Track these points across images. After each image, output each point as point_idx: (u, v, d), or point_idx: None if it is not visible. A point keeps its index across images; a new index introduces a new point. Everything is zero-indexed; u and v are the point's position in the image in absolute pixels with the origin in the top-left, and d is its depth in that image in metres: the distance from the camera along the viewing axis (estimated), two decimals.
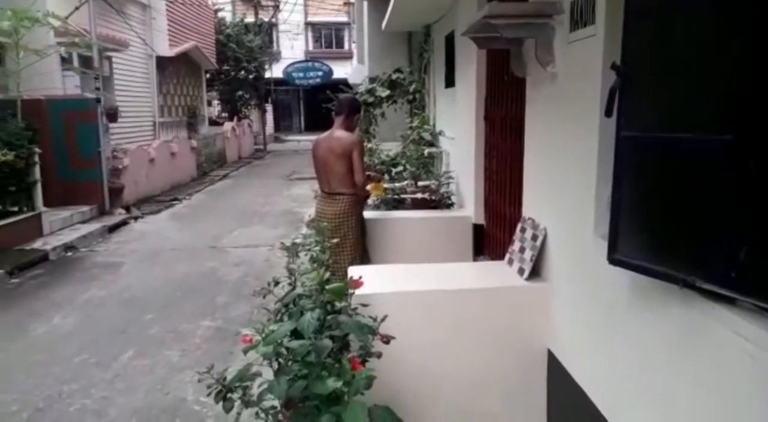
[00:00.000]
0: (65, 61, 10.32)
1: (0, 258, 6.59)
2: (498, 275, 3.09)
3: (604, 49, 2.13)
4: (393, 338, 2.46)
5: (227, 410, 2.29)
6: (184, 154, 13.93)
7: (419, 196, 5.36)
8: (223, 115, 23.01)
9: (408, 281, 3.04)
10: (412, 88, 8.29)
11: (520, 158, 3.30)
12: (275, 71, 26.02)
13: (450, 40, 5.90)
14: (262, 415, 2.31)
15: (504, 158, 4.01)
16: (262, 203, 10.96)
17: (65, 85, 10.36)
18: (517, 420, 2.89)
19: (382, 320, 2.43)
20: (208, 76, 20.08)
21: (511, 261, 3.14)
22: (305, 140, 25.35)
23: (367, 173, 4.98)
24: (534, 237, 2.94)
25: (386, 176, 5.61)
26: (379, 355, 2.41)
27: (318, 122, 25.91)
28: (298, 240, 3.13)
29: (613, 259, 1.81)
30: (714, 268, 1.48)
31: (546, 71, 2.73)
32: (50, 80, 9.64)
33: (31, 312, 5.24)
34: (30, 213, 7.69)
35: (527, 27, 2.70)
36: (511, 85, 3.58)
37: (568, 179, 2.55)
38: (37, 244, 7.36)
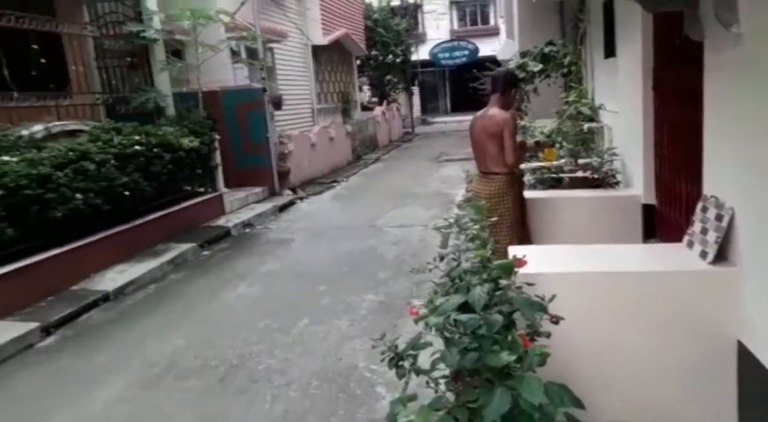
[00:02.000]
0: (234, 55, 11.29)
1: (192, 233, 7.53)
2: (677, 258, 2.88)
3: None
4: (562, 318, 2.43)
5: (400, 376, 2.42)
6: (340, 138, 14.65)
7: (579, 174, 5.16)
8: (373, 100, 23.70)
9: (575, 262, 2.96)
10: (566, 61, 7.93)
11: (698, 131, 3.04)
12: (421, 53, 26.18)
13: (608, 6, 5.54)
14: (432, 384, 2.42)
15: (678, 131, 3.72)
16: (413, 184, 11.22)
17: (235, 76, 11.37)
18: (703, 414, 2.71)
19: (551, 299, 2.41)
20: (358, 62, 20.77)
21: (691, 244, 2.93)
22: (452, 121, 25.36)
23: (536, 140, 4.90)
24: (719, 217, 2.71)
25: (540, 155, 5.46)
26: (548, 335, 2.39)
27: (464, 103, 25.74)
28: (452, 221, 3.18)
29: None
30: None
31: (729, 32, 2.47)
32: (222, 73, 10.59)
33: (221, 280, 5.96)
34: (213, 194, 8.65)
35: None
36: (685, 50, 3.27)
37: (760, 150, 2.32)
38: (221, 221, 8.28)
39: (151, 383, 3.87)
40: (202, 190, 8.53)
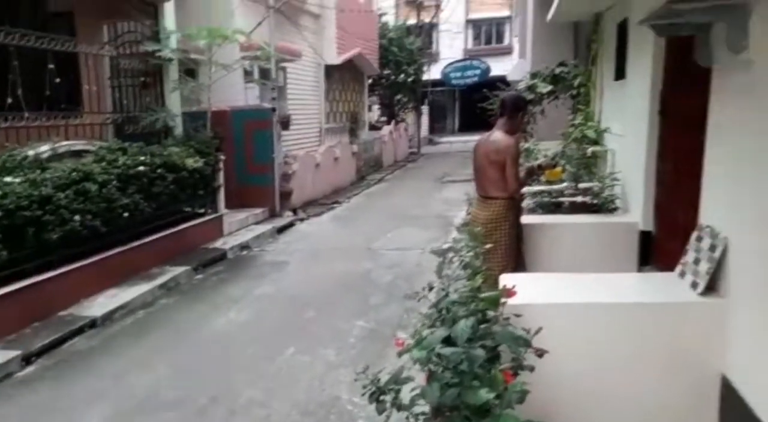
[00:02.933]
0: (247, 74, 11.33)
1: (188, 255, 7.44)
2: (667, 288, 2.80)
3: None
4: (546, 352, 2.35)
5: (380, 412, 2.34)
6: (345, 158, 14.62)
7: (579, 199, 5.05)
8: (382, 119, 23.72)
9: (564, 292, 2.88)
10: (576, 82, 7.84)
11: (700, 158, 2.94)
12: (433, 72, 26.24)
13: (622, 29, 5.48)
14: (413, 420, 2.31)
15: (680, 157, 3.62)
16: (415, 206, 11.13)
17: (247, 96, 11.40)
18: None
19: (536, 333, 2.33)
20: (370, 81, 20.80)
21: (683, 274, 2.82)
22: (457, 141, 25.31)
23: (538, 164, 4.84)
24: (712, 248, 2.60)
25: (542, 178, 5.35)
26: (531, 369, 2.32)
27: (472, 123, 25.72)
28: (447, 245, 3.10)
29: None
30: None
31: (739, 59, 2.39)
32: (234, 92, 10.64)
33: (212, 306, 5.85)
34: (214, 215, 8.57)
35: (717, 10, 2.40)
36: (694, 75, 3.20)
37: (758, 182, 2.20)
38: (218, 243, 8.20)
39: (127, 416, 3.74)
40: (202, 210, 8.45)
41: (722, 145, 2.69)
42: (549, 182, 5.13)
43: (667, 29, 2.95)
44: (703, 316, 2.56)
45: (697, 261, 2.71)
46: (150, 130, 7.88)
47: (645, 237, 4.28)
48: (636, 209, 4.44)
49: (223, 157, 8.69)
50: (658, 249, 4.12)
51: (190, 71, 9.63)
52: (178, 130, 8.43)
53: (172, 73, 8.44)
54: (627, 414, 2.61)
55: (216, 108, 9.22)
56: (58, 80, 6.40)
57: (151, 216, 6.99)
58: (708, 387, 2.55)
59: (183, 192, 7.53)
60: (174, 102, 8.45)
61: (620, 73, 5.51)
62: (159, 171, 6.93)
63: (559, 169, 4.96)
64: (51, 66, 6.31)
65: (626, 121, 5.00)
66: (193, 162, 7.65)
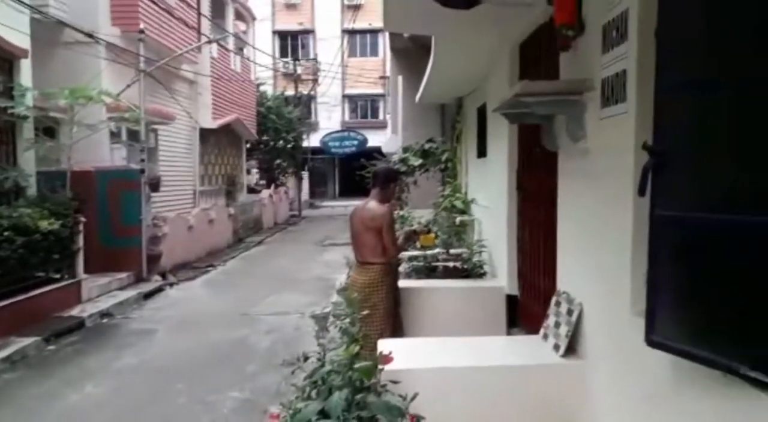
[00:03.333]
0: (114, 135, 10.85)
1: (38, 324, 6.69)
2: (533, 351, 2.99)
3: (636, 127, 2.13)
4: (423, 418, 2.38)
5: None
6: (221, 220, 14.25)
7: (451, 264, 5.33)
8: (261, 182, 23.60)
9: (439, 356, 2.98)
10: (444, 157, 8.43)
11: (554, 229, 3.26)
12: (312, 140, 26.83)
13: (482, 112, 6.02)
14: None
15: (537, 229, 3.98)
16: (295, 269, 11.01)
17: (113, 156, 10.85)
18: None
19: (412, 399, 2.37)
20: (248, 145, 20.78)
21: (546, 336, 3.05)
22: (339, 205, 25.70)
23: (412, 229, 5.05)
24: (569, 312, 2.85)
25: (417, 244, 5.61)
26: None
27: (352, 188, 26.34)
28: (327, 310, 3.12)
29: (651, 341, 1.74)
30: (761, 355, 1.40)
31: (577, 147, 2.74)
32: (99, 152, 10.12)
33: (65, 380, 5.25)
34: (70, 281, 7.85)
35: (558, 104, 2.74)
36: (543, 157, 3.60)
37: (602, 254, 2.50)
38: (75, 311, 7.48)
39: None
40: (57, 276, 7.74)
41: (569, 219, 3.01)
42: (423, 247, 5.38)
43: (517, 117, 3.32)
44: (565, 376, 2.75)
45: (557, 325, 2.94)
46: None
47: (512, 300, 4.58)
48: (502, 274, 4.76)
49: (83, 219, 8.11)
50: (523, 312, 4.42)
51: (49, 129, 9.12)
52: (32, 191, 7.89)
53: (27, 131, 8.02)
54: None
55: (79, 168, 8.73)
56: None
57: None
58: None
59: (35, 255, 6.91)
60: (27, 161, 7.98)
61: (482, 151, 6.02)
62: (6, 234, 6.36)
63: (432, 235, 5.24)
64: None
65: (489, 194, 5.42)
66: (47, 224, 7.08)
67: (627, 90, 2.22)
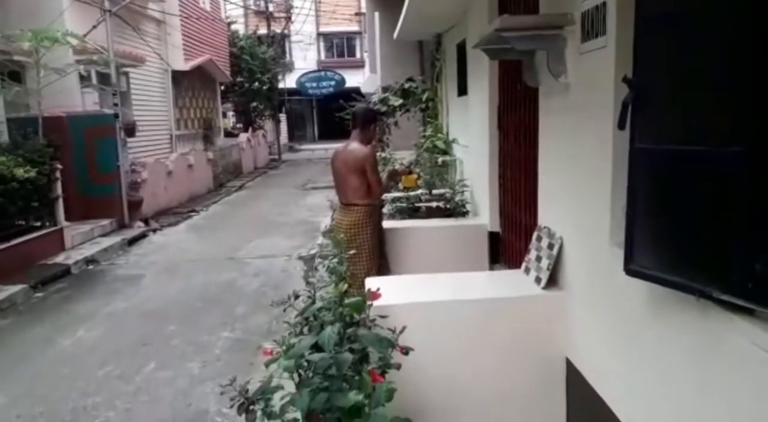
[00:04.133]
0: (84, 79, 10.52)
1: (24, 272, 6.72)
2: (515, 284, 3.09)
3: (616, 60, 2.15)
4: (411, 349, 2.48)
5: None
6: (200, 165, 14.09)
7: (434, 204, 5.39)
8: (238, 126, 23.23)
9: (425, 291, 3.07)
10: (424, 97, 8.34)
11: (535, 166, 3.31)
12: (288, 81, 26.22)
13: (462, 49, 5.93)
14: None
15: (518, 166, 4.03)
16: (278, 213, 11.05)
17: (84, 101, 10.56)
18: None
19: (401, 332, 2.46)
20: (222, 88, 20.30)
21: (527, 270, 3.15)
22: (319, 149, 25.49)
23: (394, 168, 5.07)
24: (550, 246, 2.94)
25: (399, 185, 5.65)
26: (398, 367, 2.44)
27: (331, 131, 26.05)
28: (313, 252, 3.18)
29: (630, 270, 1.82)
30: (731, 279, 1.49)
31: (558, 82, 2.75)
32: (70, 97, 9.84)
33: (56, 325, 5.34)
34: (52, 228, 7.83)
35: (538, 39, 2.72)
36: (524, 94, 3.60)
37: (582, 188, 2.57)
38: (60, 258, 7.49)
39: None
40: (38, 224, 7.69)
41: (551, 155, 3.06)
42: (406, 188, 5.42)
43: (497, 53, 3.29)
44: (547, 307, 2.85)
45: (538, 259, 3.04)
46: None
47: (494, 237, 4.68)
48: (484, 213, 4.84)
49: (60, 166, 7.98)
50: (506, 248, 4.53)
51: (14, 74, 8.78)
52: (3, 137, 7.72)
53: None
54: (485, 399, 2.83)
55: (49, 114, 8.51)
56: None
57: None
58: (555, 370, 2.84)
59: (13, 204, 6.85)
60: None
61: (462, 90, 5.97)
62: None
63: (414, 175, 5.26)
64: None
65: (470, 133, 5.42)
66: (23, 172, 6.96)
67: (607, 23, 2.21)
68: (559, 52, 2.71)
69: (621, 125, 1.77)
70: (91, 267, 7.51)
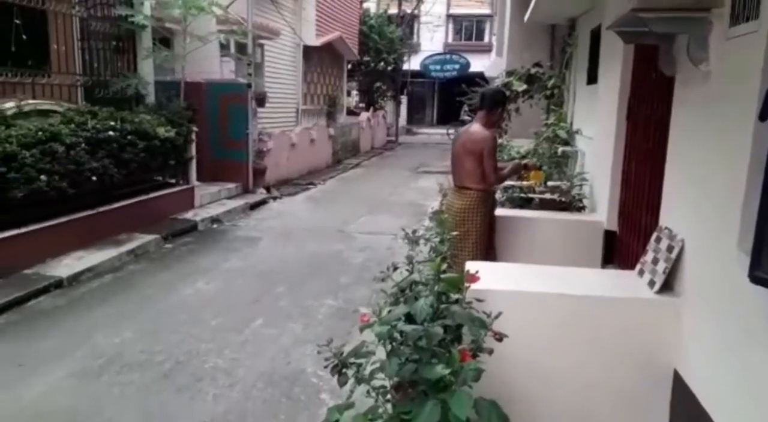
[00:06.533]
0: (223, 48, 11.23)
1: (157, 224, 7.41)
2: (625, 285, 2.92)
3: (767, 48, 1.93)
4: (505, 336, 2.44)
5: (341, 384, 2.40)
6: (322, 141, 14.61)
7: (548, 196, 5.21)
8: (360, 105, 23.73)
9: (527, 281, 2.98)
10: (550, 84, 8.01)
11: (662, 163, 3.08)
12: (413, 63, 26.30)
13: (596, 35, 5.62)
14: (373, 393, 2.40)
15: (644, 162, 3.77)
16: (389, 193, 11.24)
17: (222, 69, 11.30)
18: None
19: (496, 317, 2.41)
20: (349, 66, 20.77)
21: (641, 272, 2.96)
22: (436, 133, 25.48)
23: (524, 162, 4.94)
24: (669, 249, 2.74)
25: (524, 181, 5.47)
26: (490, 351, 2.40)
27: (451, 116, 25.90)
28: (420, 232, 3.20)
29: (755, 276, 1.66)
30: None
31: (698, 70, 2.52)
32: (209, 65, 10.54)
33: (180, 275, 5.86)
34: (185, 187, 8.54)
35: (680, 21, 2.50)
36: (659, 83, 3.35)
37: (713, 187, 2.35)
38: (189, 215, 8.18)
39: (93, 374, 3.76)
40: (173, 181, 8.42)
41: (681, 151, 2.82)
42: (531, 181, 5.25)
43: (633, 37, 3.07)
44: (658, 313, 2.66)
45: (655, 261, 2.83)
46: (121, 96, 7.83)
47: (609, 236, 4.42)
48: (602, 209, 4.59)
49: (195, 129, 8.65)
50: (621, 249, 4.28)
51: (164, 40, 9.55)
52: (150, 98, 8.37)
53: (145, 40, 8.36)
54: (577, 398, 2.72)
55: (190, 79, 9.18)
56: (24, 37, 6.27)
57: (121, 183, 6.94)
58: (661, 381, 2.66)
59: (154, 160, 7.48)
60: (146, 69, 8.37)
61: (592, 78, 5.67)
62: (129, 137, 6.88)
63: (542, 172, 5.07)
64: (17, 21, 6.17)
65: (596, 124, 5.15)
66: (164, 131, 7.61)
67: (762, 5, 1.98)
68: (702, 36, 2.48)
69: (762, 116, 1.60)
70: (215, 226, 8.12)
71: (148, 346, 4.17)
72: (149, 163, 7.36)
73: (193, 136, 8.61)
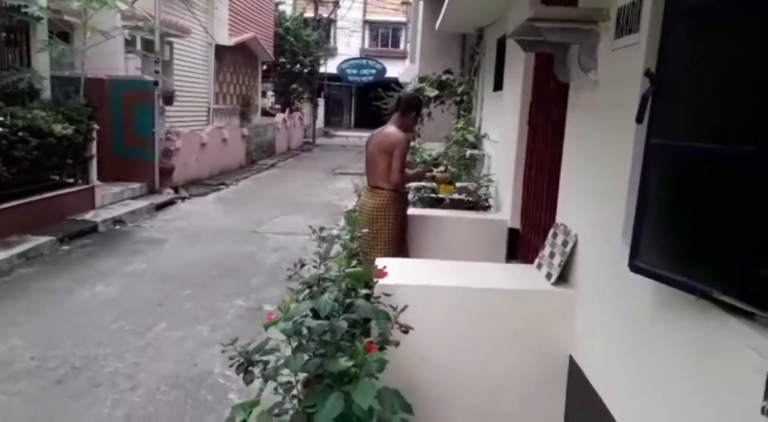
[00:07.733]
0: (128, 44, 10.75)
1: (53, 226, 6.94)
2: (525, 278, 3.07)
3: (646, 58, 2.11)
4: (411, 328, 2.50)
5: (247, 382, 2.38)
6: (234, 141, 14.29)
7: (456, 196, 5.38)
8: (276, 106, 23.43)
9: (434, 276, 3.07)
10: (460, 90, 8.28)
11: (559, 165, 3.28)
12: (330, 67, 26.32)
13: (501, 44, 5.88)
14: (280, 390, 2.38)
15: (543, 164, 3.99)
16: (305, 193, 11.16)
17: (127, 66, 10.80)
18: None
19: (402, 310, 2.47)
20: (264, 67, 20.49)
21: (540, 266, 3.13)
22: (353, 136, 25.60)
23: (434, 174, 5.01)
24: (564, 243, 2.92)
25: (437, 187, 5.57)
26: (396, 344, 2.45)
27: (368, 119, 26.09)
28: (334, 231, 3.22)
29: (634, 266, 1.80)
30: (732, 281, 1.47)
31: (588, 77, 2.71)
32: (113, 61, 10.08)
33: (77, 278, 5.51)
34: (84, 186, 8.06)
35: (572, 32, 2.68)
36: (556, 90, 3.56)
37: (601, 186, 2.54)
38: (89, 216, 7.72)
39: None
40: (71, 180, 7.93)
41: (574, 152, 3.02)
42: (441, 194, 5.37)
43: (531, 45, 3.25)
44: (555, 304, 2.82)
45: (552, 255, 3.01)
46: (12, 90, 7.33)
47: (513, 233, 4.64)
48: (506, 208, 4.81)
49: (97, 127, 8.21)
50: (523, 245, 4.50)
51: (64, 34, 9.04)
52: (46, 94, 7.94)
53: (41, 33, 7.95)
54: (482, 388, 2.83)
55: (92, 75, 8.74)
56: None
57: (11, 182, 6.46)
58: (558, 367, 2.82)
59: (49, 159, 7.06)
60: (41, 63, 7.95)
61: (498, 85, 5.92)
62: (21, 134, 6.45)
63: (451, 186, 5.19)
64: None
65: (501, 129, 5.39)
66: (62, 128, 7.17)
67: (641, 20, 2.17)
68: (591, 47, 2.67)
69: (639, 119, 1.75)
70: (117, 227, 7.72)
71: (40, 353, 3.90)
72: (44, 162, 6.93)
73: (94, 134, 8.17)
